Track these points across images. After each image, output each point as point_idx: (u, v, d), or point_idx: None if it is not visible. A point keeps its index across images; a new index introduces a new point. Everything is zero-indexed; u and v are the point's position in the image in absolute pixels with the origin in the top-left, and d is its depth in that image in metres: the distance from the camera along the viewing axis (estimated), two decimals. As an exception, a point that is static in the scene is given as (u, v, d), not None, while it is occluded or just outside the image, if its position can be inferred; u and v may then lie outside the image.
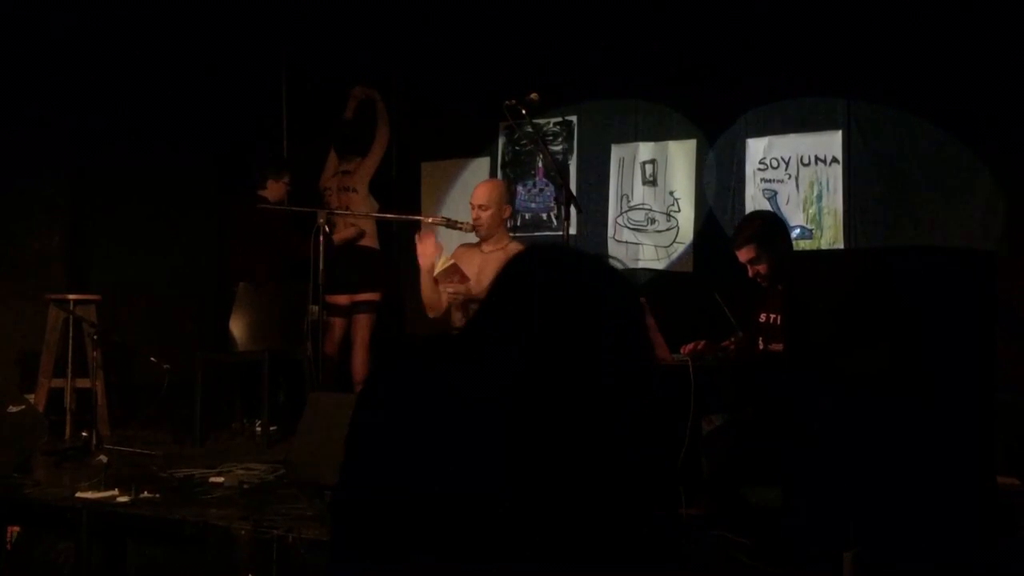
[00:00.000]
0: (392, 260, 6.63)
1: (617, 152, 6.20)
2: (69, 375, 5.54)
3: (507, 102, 4.72)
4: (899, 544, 2.92)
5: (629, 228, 6.13)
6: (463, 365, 1.47)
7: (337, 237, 6.08)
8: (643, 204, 6.09)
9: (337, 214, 6.03)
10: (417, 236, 5.02)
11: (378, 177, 6.41)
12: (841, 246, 5.42)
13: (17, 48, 6.11)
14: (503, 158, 6.61)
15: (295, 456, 4.10)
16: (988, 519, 3.04)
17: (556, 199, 6.15)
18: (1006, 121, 5.01)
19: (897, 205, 5.35)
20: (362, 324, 6.19)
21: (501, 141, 6.60)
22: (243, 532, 3.35)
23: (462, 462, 1.38)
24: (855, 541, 2.88)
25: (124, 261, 6.56)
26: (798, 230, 5.54)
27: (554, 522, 1.35)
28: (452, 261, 4.82)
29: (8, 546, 3.80)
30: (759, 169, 5.74)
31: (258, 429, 5.60)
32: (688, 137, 5.94)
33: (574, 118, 6.34)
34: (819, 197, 5.56)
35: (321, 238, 4.93)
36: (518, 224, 6.37)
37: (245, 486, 4.07)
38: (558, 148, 6.35)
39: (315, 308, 5.23)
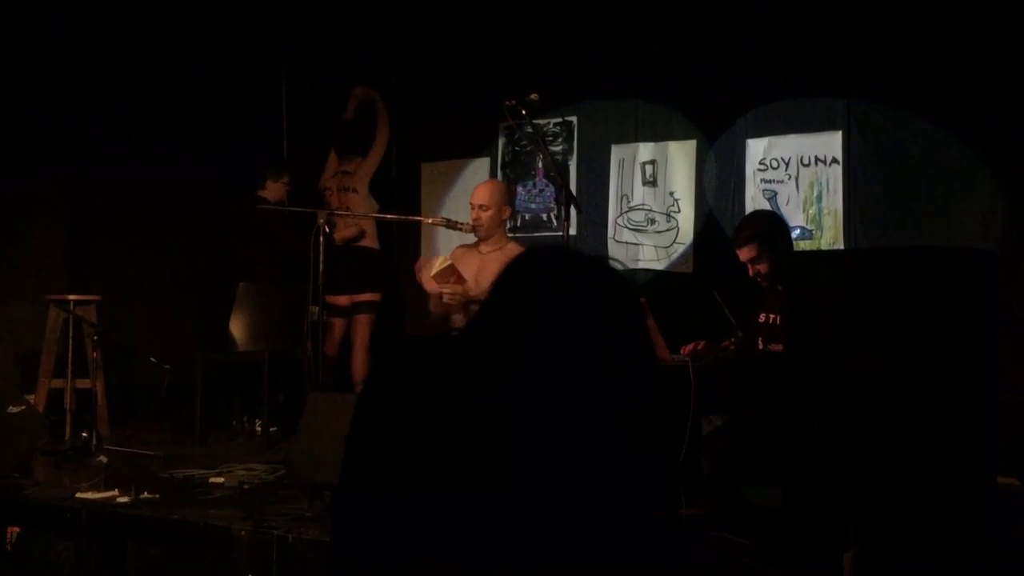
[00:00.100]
0: (392, 261, 6.63)
1: (617, 152, 6.20)
2: (69, 375, 5.54)
3: (507, 102, 4.73)
4: (899, 544, 2.92)
5: (629, 228, 6.13)
6: (464, 366, 1.47)
7: (338, 236, 6.09)
8: (643, 204, 6.09)
9: (337, 214, 6.03)
10: (417, 268, 4.99)
11: (378, 177, 6.41)
12: (841, 246, 5.42)
13: (17, 48, 6.11)
14: (503, 158, 6.61)
15: (295, 456, 4.09)
16: (988, 519, 3.04)
17: (556, 199, 6.14)
18: (1006, 121, 5.01)
19: (897, 205, 5.35)
20: (362, 324, 6.19)
21: (501, 141, 6.60)
22: (243, 532, 3.35)
23: (462, 463, 1.38)
24: (855, 541, 2.88)
25: (124, 261, 6.56)
26: (798, 231, 5.54)
27: (555, 523, 1.35)
28: (449, 262, 4.82)
29: (8, 546, 3.80)
30: (759, 169, 5.74)
31: (258, 429, 5.60)
32: (688, 137, 5.94)
33: (574, 118, 6.34)
34: (819, 198, 5.56)
35: (321, 238, 4.93)
36: (518, 224, 6.38)
37: (245, 486, 4.07)
38: (558, 148, 6.35)
39: (315, 308, 5.23)
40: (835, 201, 5.51)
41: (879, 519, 2.95)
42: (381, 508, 1.42)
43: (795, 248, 5.07)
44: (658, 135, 6.05)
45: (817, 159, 5.57)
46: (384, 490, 1.43)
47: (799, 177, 5.62)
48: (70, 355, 5.58)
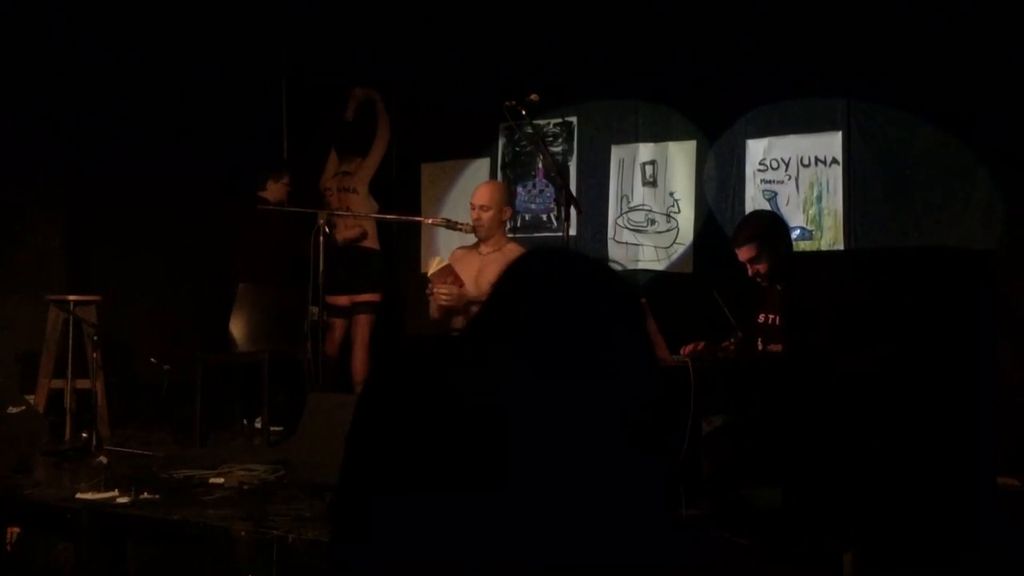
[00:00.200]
0: (392, 261, 6.63)
1: (617, 153, 6.20)
2: (69, 376, 5.54)
3: (507, 103, 4.73)
4: (899, 544, 2.92)
5: (629, 229, 6.13)
6: (464, 366, 1.47)
7: (340, 237, 6.10)
8: (643, 205, 6.09)
9: (337, 215, 6.03)
10: (437, 282, 4.79)
11: (378, 178, 6.41)
12: (841, 247, 5.42)
13: (17, 48, 6.11)
14: (503, 159, 6.61)
15: (295, 457, 4.10)
16: (988, 519, 3.04)
17: (556, 200, 6.14)
18: (1006, 121, 5.01)
19: (897, 206, 5.35)
20: (362, 325, 6.19)
21: (501, 142, 6.60)
22: (243, 533, 3.35)
23: (463, 463, 1.38)
24: (855, 541, 2.88)
25: (124, 261, 6.56)
26: (798, 231, 5.54)
27: (555, 523, 1.35)
28: (446, 262, 4.82)
29: (8, 547, 3.80)
30: (759, 170, 5.74)
31: (257, 425, 5.60)
32: (688, 138, 5.94)
33: (574, 119, 6.34)
34: (819, 198, 5.56)
35: (321, 239, 4.93)
36: (518, 225, 6.38)
37: (245, 487, 4.07)
38: (558, 149, 6.35)
39: (315, 309, 5.23)
40: (835, 201, 5.52)
41: (879, 519, 2.95)
42: (381, 508, 1.42)
43: (795, 248, 5.07)
44: (658, 135, 6.05)
45: (817, 159, 5.57)
46: (384, 490, 1.43)
47: (799, 177, 5.63)
48: (70, 355, 5.58)
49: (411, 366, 1.53)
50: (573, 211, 4.89)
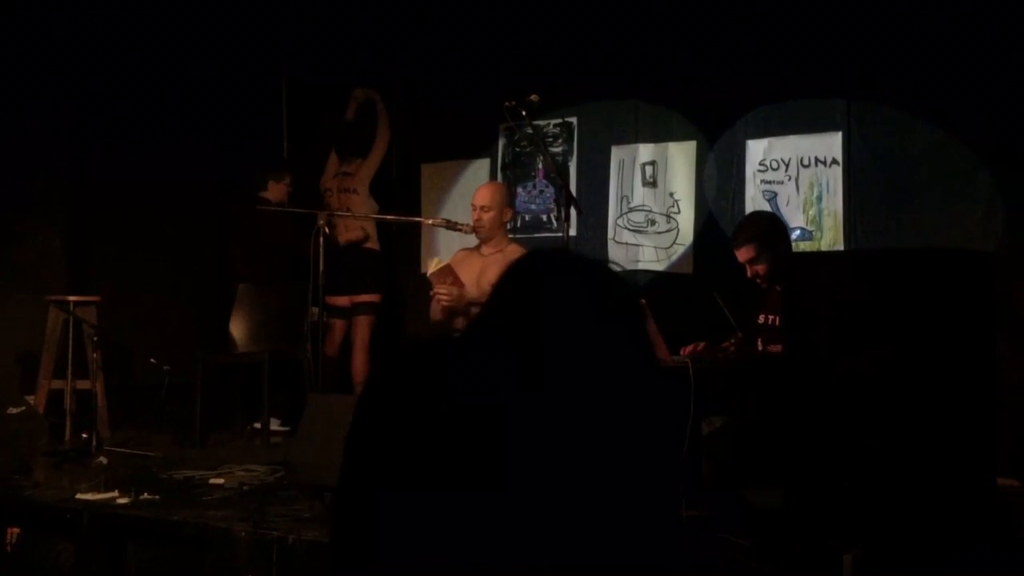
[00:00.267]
0: (392, 262, 6.63)
1: (617, 153, 6.20)
2: (69, 376, 5.54)
3: (507, 104, 4.73)
4: (899, 546, 2.92)
5: (629, 230, 6.13)
6: (464, 367, 1.47)
7: (343, 239, 6.11)
8: (643, 205, 6.09)
9: (337, 216, 6.03)
10: (436, 280, 4.79)
11: (378, 178, 6.42)
12: (841, 247, 5.42)
13: (17, 48, 6.11)
14: (503, 160, 6.61)
15: (295, 457, 4.09)
16: (988, 520, 3.04)
17: (556, 200, 6.15)
18: (1006, 122, 5.01)
19: (897, 206, 5.34)
20: (362, 326, 6.19)
21: (501, 143, 6.60)
22: (243, 534, 3.34)
23: (463, 464, 1.38)
24: (855, 542, 2.88)
25: (124, 262, 6.55)
26: (798, 232, 5.54)
27: (555, 524, 1.35)
28: (445, 263, 4.82)
29: (8, 548, 3.80)
30: (759, 170, 5.74)
31: (257, 426, 5.60)
32: (688, 138, 5.94)
33: (574, 119, 6.34)
34: (819, 198, 5.56)
35: (321, 239, 4.93)
36: (518, 225, 6.37)
37: (245, 487, 4.07)
38: (558, 149, 6.35)
39: (315, 309, 5.24)
40: (835, 202, 5.51)
41: (879, 520, 2.95)
42: (381, 509, 1.42)
43: (795, 249, 5.07)
44: (658, 136, 6.05)
45: (817, 160, 5.57)
46: (384, 491, 1.43)
47: (799, 178, 5.62)
48: (70, 356, 5.59)
49: (411, 367, 1.53)
50: (573, 212, 4.89)
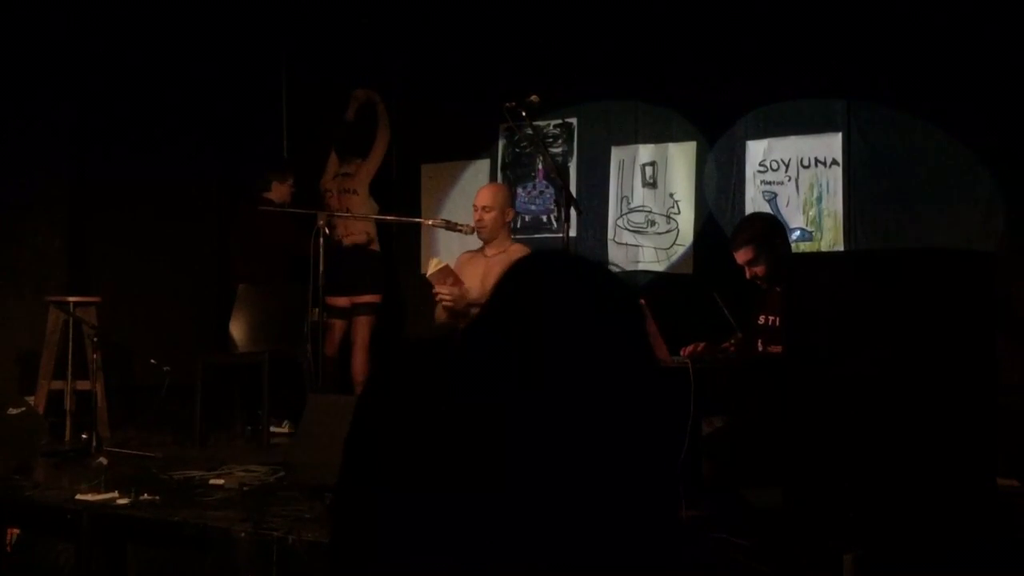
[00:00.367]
0: (392, 262, 6.63)
1: (617, 154, 6.20)
2: (69, 377, 5.54)
3: (507, 104, 4.73)
4: (899, 546, 2.92)
5: (629, 230, 6.13)
6: (464, 367, 1.47)
7: (348, 241, 6.12)
8: (643, 206, 6.09)
9: (337, 216, 6.03)
10: (437, 279, 4.78)
11: (378, 179, 6.42)
12: (841, 248, 5.42)
13: (17, 48, 6.11)
14: (503, 160, 6.61)
15: (295, 458, 4.10)
16: (988, 520, 3.04)
17: (556, 201, 6.14)
18: (1006, 122, 5.01)
19: (897, 207, 5.35)
20: (362, 326, 6.19)
21: (501, 143, 6.60)
22: (243, 534, 3.34)
23: (462, 464, 1.38)
24: (855, 543, 2.88)
25: (124, 262, 6.56)
26: (798, 232, 5.54)
27: (554, 524, 1.35)
28: (444, 263, 4.82)
29: (8, 548, 3.80)
30: (759, 171, 5.74)
31: (258, 427, 5.60)
32: (688, 139, 5.94)
33: (574, 120, 6.34)
34: (819, 199, 5.56)
35: (321, 240, 4.93)
36: (518, 226, 6.38)
37: (245, 488, 4.07)
38: (558, 150, 6.35)
39: (315, 310, 5.24)
40: (835, 203, 5.52)
41: (879, 521, 2.95)
42: (381, 509, 1.42)
43: (795, 249, 5.08)
44: (658, 136, 6.05)
45: (817, 160, 5.57)
46: (384, 491, 1.43)
47: (799, 179, 5.63)
48: (70, 356, 5.59)
49: (411, 367, 1.53)
50: (573, 212, 4.89)
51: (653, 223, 6.06)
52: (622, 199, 6.16)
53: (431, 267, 4.81)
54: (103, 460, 4.16)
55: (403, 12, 6.69)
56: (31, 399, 5.30)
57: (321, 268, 4.92)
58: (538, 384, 1.41)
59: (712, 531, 3.30)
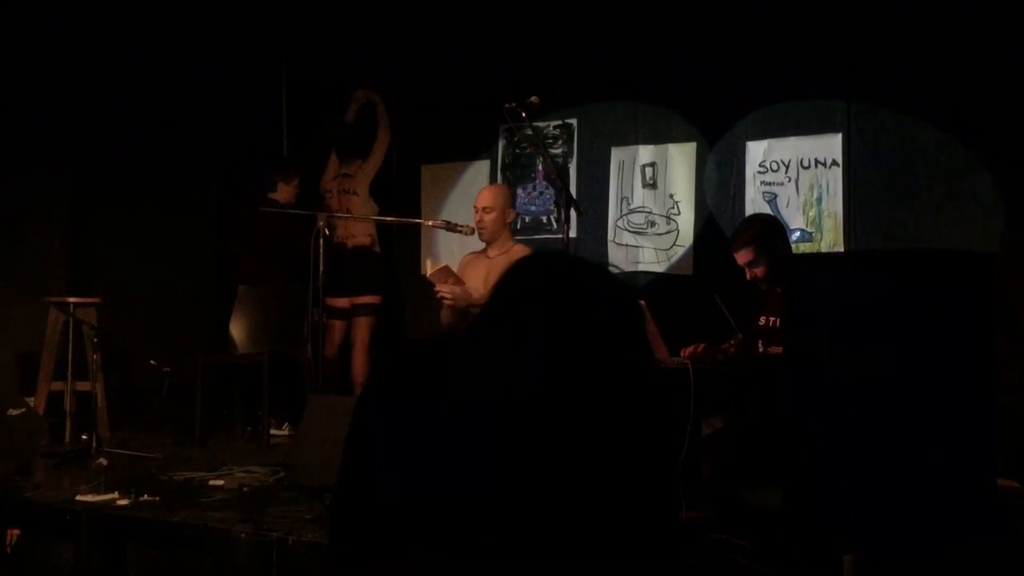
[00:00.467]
0: (392, 263, 6.63)
1: (617, 155, 6.20)
2: (69, 378, 5.54)
3: (507, 105, 4.72)
4: (900, 546, 2.92)
5: (629, 231, 6.13)
6: (463, 368, 1.47)
7: (352, 244, 6.12)
8: (643, 207, 6.09)
9: (337, 217, 6.03)
10: (437, 279, 4.82)
11: (378, 180, 6.41)
12: (841, 249, 5.42)
13: (17, 48, 6.11)
14: (503, 161, 6.61)
15: (295, 458, 4.09)
16: (988, 521, 3.04)
17: (556, 202, 6.14)
18: (1006, 123, 5.01)
19: (897, 208, 5.35)
20: (362, 327, 6.18)
21: (501, 144, 6.61)
22: (243, 535, 3.34)
23: (462, 464, 1.38)
24: (856, 543, 2.88)
25: (124, 263, 6.55)
26: (798, 233, 5.54)
27: (554, 524, 1.35)
28: (443, 263, 4.83)
29: (8, 549, 3.80)
30: (759, 172, 5.74)
31: (258, 427, 5.60)
32: (688, 140, 5.94)
33: (574, 121, 6.34)
34: (819, 200, 5.56)
35: (321, 241, 4.93)
36: (518, 227, 6.38)
37: (245, 489, 4.07)
38: (558, 151, 6.35)
39: (316, 311, 5.24)
40: (835, 203, 5.52)
41: (879, 521, 2.95)
42: (381, 509, 1.42)
43: (795, 250, 5.08)
44: (658, 137, 6.05)
45: (817, 161, 5.57)
46: (383, 492, 1.43)
47: (799, 179, 5.63)
48: (70, 357, 5.58)
49: (411, 367, 1.53)
50: (573, 213, 4.89)
51: (653, 224, 6.06)
52: (622, 200, 6.16)
53: (429, 268, 4.81)
54: (103, 461, 4.15)
55: (403, 12, 6.69)
56: (31, 400, 5.30)
57: (321, 269, 4.92)
58: (538, 385, 1.41)
59: (712, 532, 3.30)
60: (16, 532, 3.80)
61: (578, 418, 1.40)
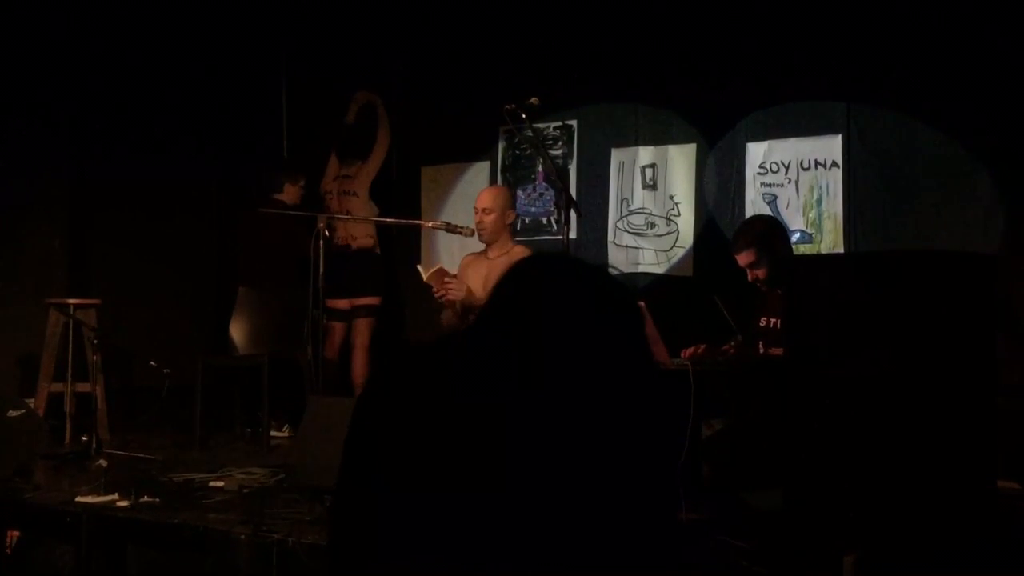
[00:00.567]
0: (392, 264, 6.63)
1: (617, 156, 6.20)
2: (69, 379, 5.54)
3: (507, 106, 4.72)
4: (899, 548, 2.92)
5: (629, 232, 6.13)
6: (463, 368, 1.47)
7: (355, 246, 6.12)
8: (643, 208, 6.09)
9: (337, 218, 6.03)
10: (437, 281, 4.82)
11: (378, 181, 6.41)
12: (841, 250, 5.42)
13: (17, 48, 6.11)
14: (503, 162, 6.61)
15: (295, 460, 4.09)
16: (988, 522, 3.04)
17: (556, 203, 6.13)
18: (1006, 123, 5.01)
19: (897, 209, 5.34)
20: (362, 328, 6.18)
21: (501, 145, 6.60)
22: (243, 536, 3.35)
23: (462, 465, 1.38)
24: (855, 545, 2.88)
25: (124, 265, 6.55)
26: (798, 234, 5.54)
27: (554, 524, 1.35)
28: (438, 266, 4.84)
29: (8, 550, 3.80)
30: (759, 173, 5.74)
31: (258, 429, 5.60)
32: (688, 141, 5.94)
33: (574, 122, 6.34)
34: (819, 201, 5.56)
35: (321, 242, 4.93)
36: (518, 228, 6.37)
37: (245, 490, 4.07)
38: (558, 152, 6.35)
39: (316, 312, 5.23)
40: (835, 205, 5.51)
41: (879, 522, 2.95)
42: (381, 509, 1.42)
43: (795, 252, 5.07)
44: (658, 139, 6.05)
45: (817, 163, 5.57)
46: (384, 492, 1.43)
47: (799, 181, 5.62)
48: (70, 359, 5.58)
49: (411, 368, 1.53)
50: (573, 214, 4.89)
51: (653, 225, 6.06)
52: (622, 201, 6.16)
53: (424, 273, 4.82)
54: (103, 462, 4.15)
55: (403, 13, 6.69)
56: (31, 401, 5.30)
57: (321, 270, 4.92)
58: (538, 385, 1.41)
59: (712, 533, 3.30)
60: (16, 534, 3.80)
61: (578, 419, 1.40)
